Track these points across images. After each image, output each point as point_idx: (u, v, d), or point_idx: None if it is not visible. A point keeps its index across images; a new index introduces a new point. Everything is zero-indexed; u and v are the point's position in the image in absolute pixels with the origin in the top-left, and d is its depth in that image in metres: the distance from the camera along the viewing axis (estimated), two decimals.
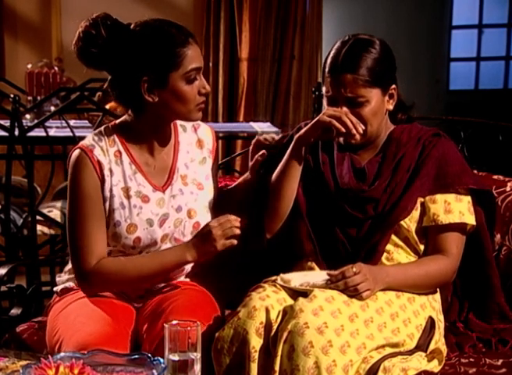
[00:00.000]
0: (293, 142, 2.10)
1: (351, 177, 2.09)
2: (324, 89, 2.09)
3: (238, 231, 2.00)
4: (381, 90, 2.05)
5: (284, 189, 2.09)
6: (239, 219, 2.01)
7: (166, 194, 2.08)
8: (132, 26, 2.01)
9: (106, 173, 2.03)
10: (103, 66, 2.03)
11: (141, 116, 2.04)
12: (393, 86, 2.09)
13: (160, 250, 2.07)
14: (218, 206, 2.16)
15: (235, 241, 2.00)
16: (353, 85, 2.01)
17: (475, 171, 2.38)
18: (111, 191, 2.03)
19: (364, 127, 2.04)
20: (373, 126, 2.07)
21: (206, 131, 2.21)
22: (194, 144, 2.17)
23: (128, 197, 2.04)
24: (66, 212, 2.08)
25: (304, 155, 2.09)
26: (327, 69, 2.06)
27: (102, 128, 2.10)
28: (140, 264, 2.03)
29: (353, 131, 2.01)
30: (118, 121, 2.11)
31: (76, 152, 2.04)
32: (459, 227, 2.06)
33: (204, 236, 2.01)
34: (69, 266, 2.15)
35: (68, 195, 2.06)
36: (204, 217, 2.10)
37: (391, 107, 2.11)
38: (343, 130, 2.00)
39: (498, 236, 2.27)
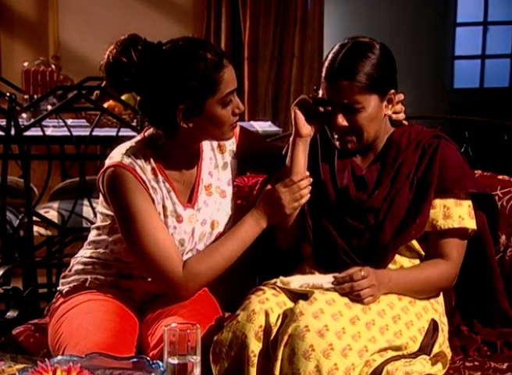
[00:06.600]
0: (290, 144, 2.09)
1: (351, 187, 2.06)
2: (320, 92, 2.06)
3: (306, 192, 2.02)
4: (378, 96, 2.01)
5: None
6: (305, 183, 2.02)
7: (195, 209, 2.06)
8: (164, 47, 1.94)
9: (151, 191, 1.99)
10: (135, 91, 1.99)
11: (173, 138, 2.00)
12: (392, 91, 2.05)
13: (234, 229, 2.04)
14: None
15: (303, 201, 2.03)
16: (350, 92, 1.98)
17: (480, 171, 2.36)
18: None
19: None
20: (370, 133, 2.04)
21: None
22: (216, 150, 2.13)
23: (165, 216, 2.01)
24: (124, 232, 1.98)
25: (304, 150, 2.08)
26: (323, 74, 2.03)
27: (134, 143, 2.03)
28: (225, 250, 2.01)
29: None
30: (146, 135, 2.05)
31: (117, 171, 1.96)
32: (459, 232, 2.04)
33: (272, 202, 2.03)
34: (76, 267, 2.12)
35: (122, 216, 1.97)
36: (226, 226, 2.09)
37: (389, 112, 2.07)
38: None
39: (503, 237, 2.24)
